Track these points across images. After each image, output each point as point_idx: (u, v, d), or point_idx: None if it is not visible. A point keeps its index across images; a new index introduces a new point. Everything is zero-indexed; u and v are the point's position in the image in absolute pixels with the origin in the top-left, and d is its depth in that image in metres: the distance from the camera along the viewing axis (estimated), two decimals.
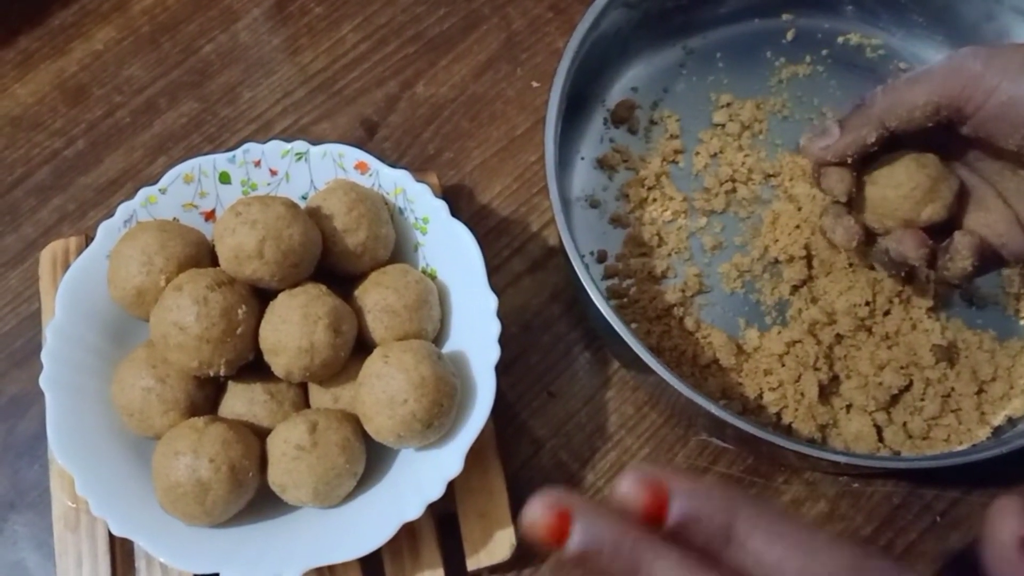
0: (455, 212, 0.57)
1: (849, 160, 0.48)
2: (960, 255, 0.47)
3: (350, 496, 0.47)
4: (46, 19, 0.66)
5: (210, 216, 0.52)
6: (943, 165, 0.48)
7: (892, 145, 0.48)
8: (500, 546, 0.50)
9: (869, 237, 0.51)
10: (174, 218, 0.51)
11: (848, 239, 0.50)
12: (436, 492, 0.45)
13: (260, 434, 0.47)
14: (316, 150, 0.52)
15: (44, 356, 0.48)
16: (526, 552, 0.52)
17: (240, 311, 0.45)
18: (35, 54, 0.65)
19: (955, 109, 0.44)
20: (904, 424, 0.54)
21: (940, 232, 0.49)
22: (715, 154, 0.61)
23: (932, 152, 0.48)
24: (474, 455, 0.48)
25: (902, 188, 0.48)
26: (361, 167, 0.52)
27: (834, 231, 0.50)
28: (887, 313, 0.56)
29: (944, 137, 0.48)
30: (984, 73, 0.43)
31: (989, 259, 0.48)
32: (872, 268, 0.56)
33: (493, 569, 0.50)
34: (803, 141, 0.49)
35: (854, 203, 0.50)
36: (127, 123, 0.63)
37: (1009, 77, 0.42)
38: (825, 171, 0.49)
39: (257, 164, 0.52)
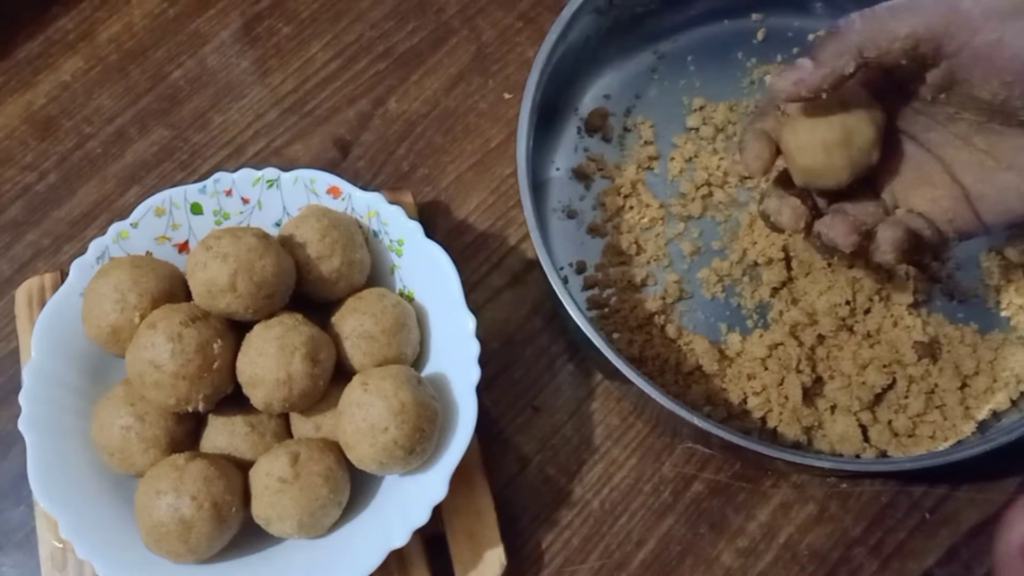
0: (431, 229, 0.57)
1: (824, 95, 0.43)
2: (880, 250, 0.46)
3: (336, 525, 0.47)
4: (12, 51, 0.65)
5: (183, 248, 0.51)
6: (862, 98, 0.45)
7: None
8: (490, 566, 0.49)
9: (818, 215, 0.49)
10: (147, 252, 0.51)
11: (795, 220, 0.47)
12: (422, 518, 0.45)
13: (243, 467, 0.47)
14: (287, 176, 0.51)
15: (22, 398, 0.47)
16: (515, 571, 0.52)
17: (216, 345, 0.45)
18: (2, 88, 0.64)
19: (935, 46, 0.41)
20: (889, 422, 0.54)
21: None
22: (690, 159, 0.61)
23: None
24: (460, 475, 0.47)
25: (816, 132, 0.45)
26: (333, 191, 0.51)
27: (780, 213, 0.48)
28: (868, 311, 0.56)
29: (896, 97, 0.46)
30: (972, 10, 0.40)
31: (922, 247, 0.47)
32: (851, 267, 0.56)
33: None
34: (769, 80, 0.45)
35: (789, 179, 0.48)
36: (98, 154, 0.62)
37: (998, 17, 0.40)
38: (744, 143, 0.47)
39: (228, 193, 0.51)
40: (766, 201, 0.50)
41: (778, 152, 0.47)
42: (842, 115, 0.44)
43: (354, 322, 0.48)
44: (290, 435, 0.49)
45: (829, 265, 0.56)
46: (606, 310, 0.57)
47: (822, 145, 0.45)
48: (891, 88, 0.46)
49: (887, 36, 0.42)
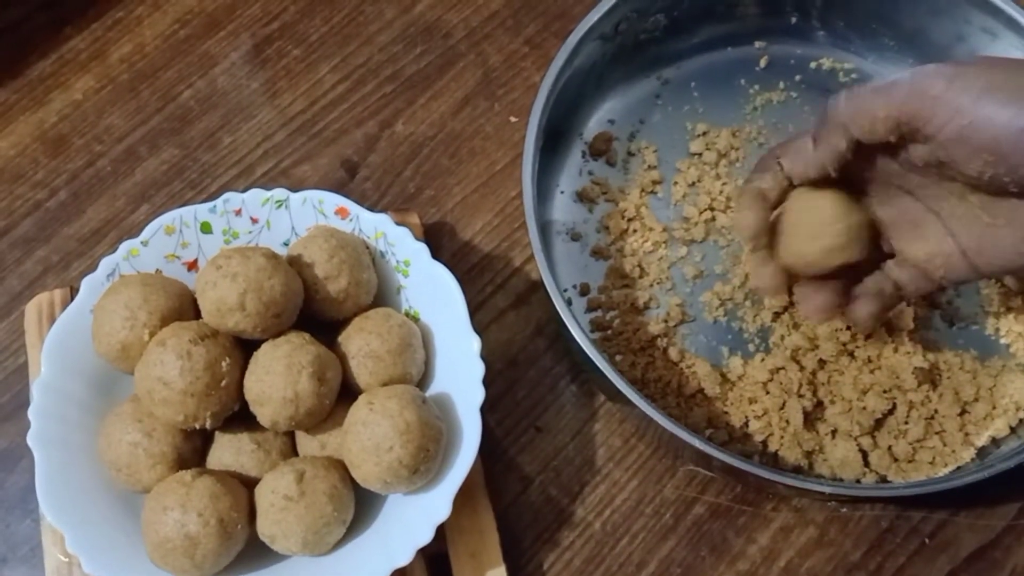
0: (437, 250, 0.58)
1: (832, 172, 0.46)
2: (856, 321, 0.50)
3: (340, 544, 0.47)
4: (24, 70, 0.66)
5: (193, 266, 0.52)
6: (847, 201, 0.47)
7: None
8: None
9: (794, 277, 0.50)
10: (157, 270, 0.51)
11: (774, 288, 0.49)
12: (425, 537, 0.45)
13: (248, 484, 0.47)
14: (296, 197, 0.52)
15: (31, 414, 0.48)
16: None
17: (224, 364, 0.46)
18: (14, 106, 0.65)
19: (914, 128, 0.42)
20: (889, 448, 0.54)
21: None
22: (693, 183, 0.62)
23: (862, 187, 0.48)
24: (463, 495, 0.48)
25: (802, 229, 0.47)
26: (341, 212, 0.52)
27: (758, 278, 0.50)
28: (868, 337, 0.56)
29: (887, 161, 0.47)
30: (945, 94, 0.40)
31: (906, 298, 0.50)
32: None
33: None
34: (784, 163, 0.47)
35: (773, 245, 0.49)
36: (108, 172, 0.63)
37: (970, 99, 0.40)
38: (738, 204, 0.49)
39: (238, 213, 0.52)
40: (750, 260, 0.51)
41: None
42: (846, 214, 0.47)
43: (360, 341, 0.48)
44: (296, 453, 0.49)
45: None
46: (609, 332, 0.58)
47: (822, 251, 0.47)
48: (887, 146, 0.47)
49: (869, 117, 0.43)
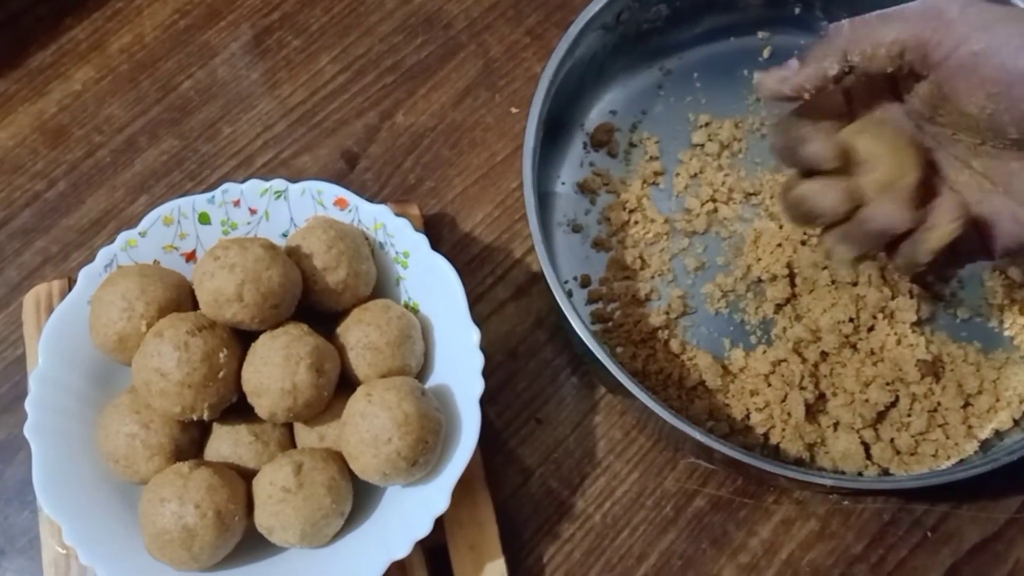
0: (437, 242, 0.58)
1: (807, 95, 0.44)
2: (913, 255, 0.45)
3: (338, 536, 0.47)
4: (24, 60, 0.66)
5: (191, 257, 0.52)
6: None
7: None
8: None
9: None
10: (155, 261, 0.51)
11: (830, 152, 0.44)
12: (424, 529, 0.45)
13: (246, 476, 0.47)
14: (295, 188, 0.52)
15: (28, 405, 0.47)
16: None
17: (222, 355, 0.45)
18: (14, 96, 0.65)
19: (921, 54, 0.41)
20: (892, 440, 0.54)
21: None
22: (695, 175, 0.61)
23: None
24: (462, 487, 0.48)
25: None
26: (340, 203, 0.52)
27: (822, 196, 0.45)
28: (871, 329, 0.56)
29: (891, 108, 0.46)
30: (959, 19, 0.40)
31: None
32: (855, 284, 0.56)
33: None
34: (757, 77, 0.45)
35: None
36: (108, 163, 0.63)
37: (984, 26, 0.39)
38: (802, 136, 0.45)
39: (236, 204, 0.52)
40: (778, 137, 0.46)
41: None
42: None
43: (359, 333, 0.48)
44: (294, 445, 0.49)
45: (833, 282, 0.57)
46: (610, 324, 0.57)
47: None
48: (891, 99, 0.46)
49: (873, 42, 0.42)
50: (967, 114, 0.42)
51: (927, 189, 0.45)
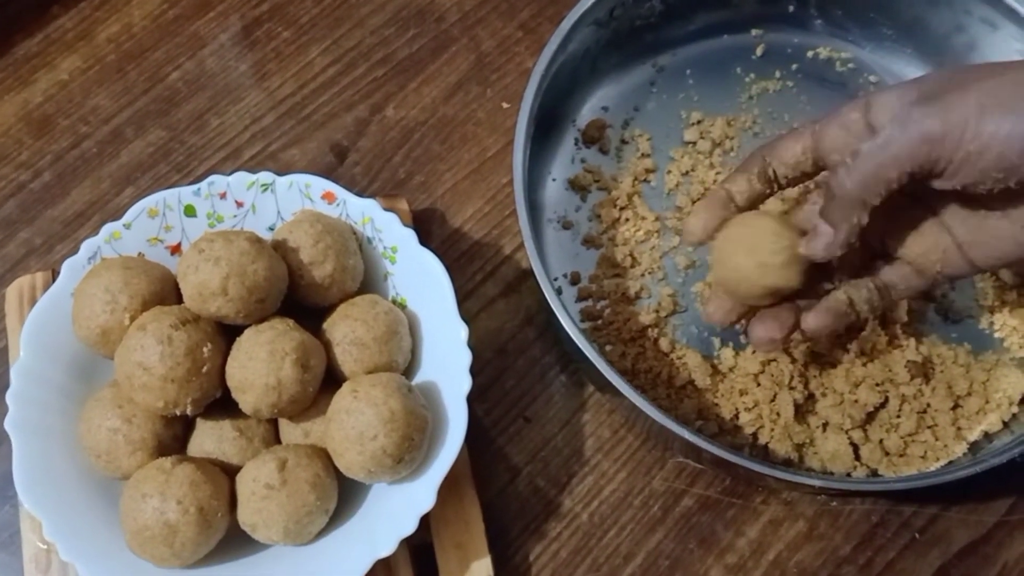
0: (426, 237, 0.57)
1: (855, 245, 0.45)
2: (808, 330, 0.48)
3: (322, 533, 0.46)
4: (10, 49, 0.65)
5: (176, 250, 0.51)
6: (790, 226, 0.47)
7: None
8: None
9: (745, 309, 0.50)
10: (139, 253, 0.50)
11: (721, 316, 0.50)
12: (409, 527, 0.45)
13: (230, 472, 0.46)
14: (282, 181, 0.51)
15: (9, 398, 0.47)
16: None
17: (205, 349, 0.45)
18: None
19: (927, 172, 0.42)
20: (881, 441, 0.54)
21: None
22: (687, 172, 0.61)
23: None
24: (449, 485, 0.47)
25: (741, 242, 0.47)
26: (328, 197, 0.51)
27: (708, 304, 0.51)
28: (861, 330, 0.56)
29: None
30: (945, 134, 0.40)
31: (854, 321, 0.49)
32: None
33: None
34: (803, 250, 0.46)
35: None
36: (94, 154, 0.62)
37: (970, 131, 0.40)
38: (697, 205, 0.50)
39: (223, 196, 0.51)
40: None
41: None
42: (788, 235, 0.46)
43: (346, 328, 0.48)
44: (278, 441, 0.49)
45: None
46: (599, 322, 0.57)
47: (757, 266, 0.46)
48: None
49: (883, 183, 0.42)
50: (977, 192, 0.42)
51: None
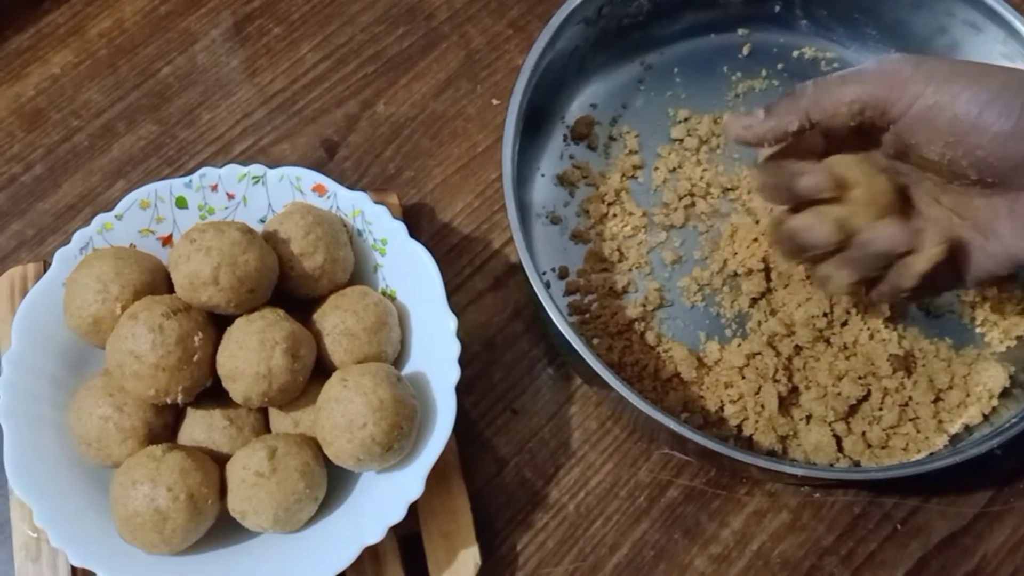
0: (416, 232, 0.58)
1: (766, 144, 0.48)
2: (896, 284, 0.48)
3: (311, 521, 0.47)
4: (2, 44, 0.65)
5: (167, 241, 0.52)
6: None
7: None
8: (464, 566, 0.50)
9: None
10: (131, 244, 0.51)
11: (827, 182, 0.48)
12: (397, 515, 0.45)
13: (220, 460, 0.47)
14: (273, 173, 0.52)
15: (0, 387, 0.47)
16: (490, 572, 0.52)
17: (196, 338, 0.45)
18: None
19: (880, 111, 0.44)
20: (863, 434, 0.54)
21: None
22: (674, 169, 0.62)
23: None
24: (437, 475, 0.48)
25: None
26: (319, 189, 0.52)
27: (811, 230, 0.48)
28: (844, 324, 0.56)
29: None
30: (912, 77, 0.43)
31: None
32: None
33: None
34: (726, 118, 0.48)
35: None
36: (85, 147, 0.62)
37: (936, 83, 0.43)
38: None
39: (214, 188, 0.52)
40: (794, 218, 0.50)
41: None
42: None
43: (336, 319, 0.48)
44: (268, 430, 0.49)
45: (808, 277, 0.57)
46: (587, 315, 0.58)
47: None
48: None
49: (834, 101, 0.45)
50: (929, 160, 0.45)
51: (903, 216, 0.48)
